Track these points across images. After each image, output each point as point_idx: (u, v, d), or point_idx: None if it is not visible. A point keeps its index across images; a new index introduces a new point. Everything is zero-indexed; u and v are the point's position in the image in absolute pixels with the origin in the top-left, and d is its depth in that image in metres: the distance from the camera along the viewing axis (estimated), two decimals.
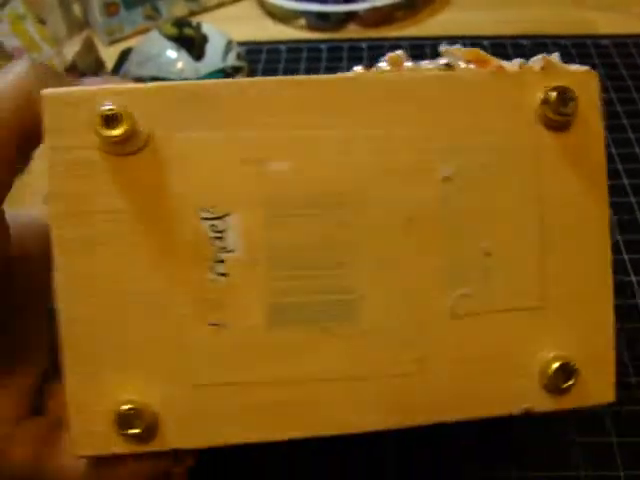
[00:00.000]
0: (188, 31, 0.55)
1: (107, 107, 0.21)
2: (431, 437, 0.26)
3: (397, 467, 0.28)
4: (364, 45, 0.62)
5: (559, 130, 0.24)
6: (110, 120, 0.21)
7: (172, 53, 0.54)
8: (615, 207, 0.44)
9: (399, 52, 0.25)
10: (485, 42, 0.60)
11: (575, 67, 0.25)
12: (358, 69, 0.24)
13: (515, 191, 0.24)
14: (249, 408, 0.23)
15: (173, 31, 0.55)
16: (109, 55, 0.62)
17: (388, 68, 0.24)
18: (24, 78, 0.22)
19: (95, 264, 0.22)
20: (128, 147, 0.22)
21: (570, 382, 0.23)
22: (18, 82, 0.22)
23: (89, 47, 0.58)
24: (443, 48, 0.26)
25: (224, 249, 0.22)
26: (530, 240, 0.24)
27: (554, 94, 0.23)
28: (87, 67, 0.56)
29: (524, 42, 0.61)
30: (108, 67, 0.61)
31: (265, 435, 0.23)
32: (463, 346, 0.23)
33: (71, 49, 0.53)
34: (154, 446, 0.22)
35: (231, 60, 0.56)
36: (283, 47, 0.62)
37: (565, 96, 0.23)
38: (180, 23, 0.57)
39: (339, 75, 0.24)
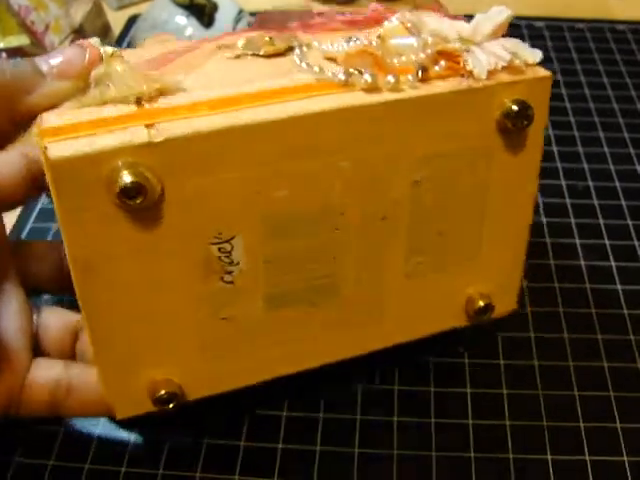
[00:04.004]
0: None
1: (127, 180, 0.22)
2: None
3: None
4: None
5: (512, 134, 0.27)
6: (130, 191, 0.22)
7: (181, 19, 0.53)
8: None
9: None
10: None
11: (531, 55, 0.27)
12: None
13: (467, 186, 0.28)
14: (252, 361, 0.29)
15: None
16: (117, 20, 0.61)
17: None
18: None
19: (123, 292, 0.25)
20: (144, 204, 0.23)
21: (487, 314, 0.31)
22: None
23: (98, 11, 0.56)
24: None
25: (231, 263, 0.26)
26: (474, 220, 0.30)
27: (515, 108, 0.26)
28: (94, 31, 0.55)
29: (539, 24, 0.60)
30: (115, 32, 0.60)
31: (264, 376, 0.29)
32: (414, 295, 0.30)
33: (79, 9, 0.52)
34: (177, 403, 0.27)
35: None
36: None
37: (524, 111, 0.26)
38: None
39: (324, 110, 0.24)
